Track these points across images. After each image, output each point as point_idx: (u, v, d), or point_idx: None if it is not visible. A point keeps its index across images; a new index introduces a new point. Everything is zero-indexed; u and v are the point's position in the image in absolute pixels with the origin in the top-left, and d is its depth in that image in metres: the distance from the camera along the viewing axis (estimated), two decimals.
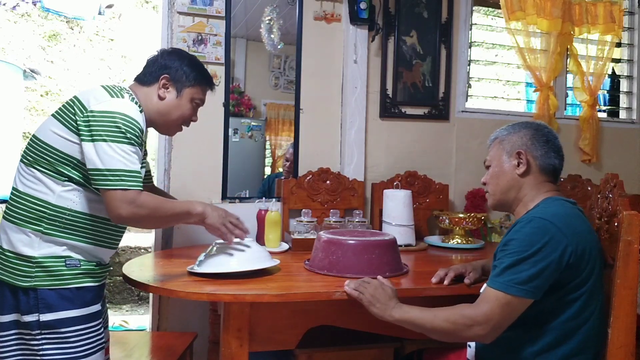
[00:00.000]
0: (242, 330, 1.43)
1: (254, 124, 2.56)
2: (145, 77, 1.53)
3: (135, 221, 1.39)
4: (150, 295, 2.56)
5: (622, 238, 1.25)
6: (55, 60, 5.88)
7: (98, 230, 1.41)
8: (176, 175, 2.38)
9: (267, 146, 2.61)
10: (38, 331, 1.32)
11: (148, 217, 1.38)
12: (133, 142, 1.36)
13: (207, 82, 1.61)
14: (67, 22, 5.82)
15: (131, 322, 3.32)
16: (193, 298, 1.47)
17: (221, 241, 1.63)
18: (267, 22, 2.49)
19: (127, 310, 3.84)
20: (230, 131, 2.47)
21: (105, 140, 1.31)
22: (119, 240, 1.51)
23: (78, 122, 1.34)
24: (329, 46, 2.60)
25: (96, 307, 1.40)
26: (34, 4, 4.29)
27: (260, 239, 2.09)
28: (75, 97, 1.40)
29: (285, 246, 2.08)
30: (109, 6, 5.06)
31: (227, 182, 2.45)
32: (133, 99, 1.44)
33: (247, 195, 2.50)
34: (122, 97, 1.40)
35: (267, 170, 2.63)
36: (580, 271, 1.22)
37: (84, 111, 1.34)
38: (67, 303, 1.34)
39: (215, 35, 2.41)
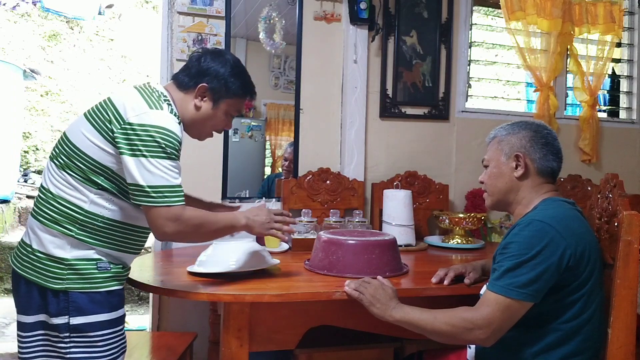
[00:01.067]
0: (242, 330, 1.43)
1: (254, 124, 2.56)
2: (184, 81, 1.43)
3: (180, 237, 1.37)
4: (150, 295, 2.56)
5: (622, 238, 1.24)
6: (55, 60, 5.88)
7: (127, 238, 1.39)
8: None
9: (267, 146, 2.61)
10: (67, 334, 1.30)
11: (193, 234, 1.36)
12: (173, 156, 1.31)
13: (247, 93, 1.50)
14: (67, 22, 5.83)
15: (131, 322, 3.31)
16: (193, 298, 1.47)
17: (221, 241, 1.63)
18: (264, 23, 2.49)
19: (127, 310, 3.84)
20: (230, 131, 2.47)
21: (145, 156, 1.26)
22: (143, 246, 1.49)
23: (115, 133, 1.28)
24: (329, 46, 2.60)
25: (122, 311, 1.40)
26: (34, 4, 4.29)
27: (260, 239, 2.08)
28: (110, 101, 1.34)
29: (285, 246, 2.08)
30: (109, 6, 5.06)
31: (227, 182, 2.45)
32: (172, 109, 1.37)
33: (247, 195, 2.50)
34: (161, 108, 1.33)
35: (267, 170, 2.64)
36: (580, 273, 1.22)
37: (121, 122, 1.28)
38: (97, 307, 1.32)
39: (215, 35, 2.41)
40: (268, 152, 2.62)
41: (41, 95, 5.87)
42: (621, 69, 3.22)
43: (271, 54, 2.55)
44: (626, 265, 1.24)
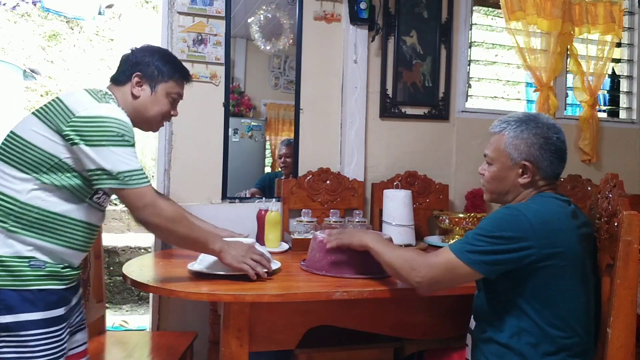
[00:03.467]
0: (242, 330, 1.43)
1: (254, 124, 2.56)
2: (119, 77, 1.52)
3: (154, 217, 1.38)
4: (150, 295, 2.56)
5: (622, 238, 1.24)
6: (55, 60, 5.87)
7: (67, 231, 1.35)
8: (176, 175, 2.38)
9: (267, 146, 2.61)
10: None
11: (167, 220, 1.39)
12: (132, 143, 1.37)
13: (181, 75, 1.57)
14: (67, 22, 5.82)
15: (131, 322, 3.32)
16: (193, 298, 1.47)
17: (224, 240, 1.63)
18: (257, 23, 2.48)
19: (127, 310, 3.84)
20: (230, 131, 2.47)
21: (104, 145, 1.31)
22: (91, 243, 1.45)
23: (65, 126, 1.31)
24: (329, 46, 2.60)
25: (59, 311, 1.33)
26: (34, 4, 4.29)
27: (260, 239, 2.09)
28: (59, 99, 1.37)
29: (285, 246, 2.08)
30: (109, 6, 5.06)
31: (227, 182, 2.45)
32: (117, 104, 1.45)
33: (247, 195, 2.50)
34: (108, 102, 1.40)
35: (267, 170, 2.64)
36: (545, 271, 1.21)
37: (71, 116, 1.32)
38: (29, 305, 1.28)
39: (215, 35, 2.41)
40: (268, 152, 2.62)
41: (41, 95, 5.86)
42: (621, 69, 3.22)
43: (271, 54, 2.55)
44: (626, 265, 1.24)
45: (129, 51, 1.56)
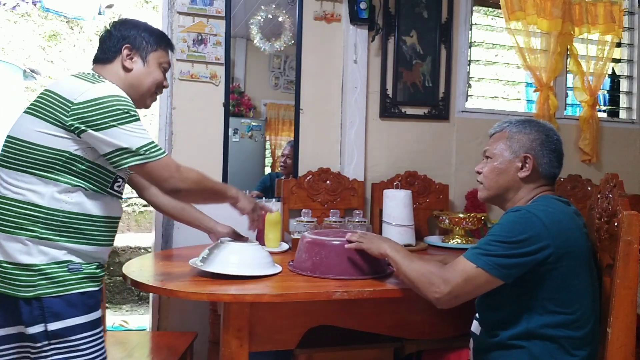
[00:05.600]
0: (242, 330, 1.43)
1: (254, 124, 2.56)
2: (106, 55, 1.45)
3: (181, 182, 1.38)
4: (150, 295, 2.56)
5: (622, 238, 1.24)
6: (55, 60, 5.87)
7: (92, 229, 1.34)
8: None
9: (267, 146, 2.61)
10: (46, 342, 1.25)
11: (194, 188, 1.41)
12: (138, 117, 1.34)
13: (167, 43, 1.55)
14: (67, 22, 5.82)
15: (131, 322, 3.32)
16: (193, 298, 1.47)
17: (227, 240, 1.63)
18: (257, 25, 2.48)
19: (127, 310, 3.84)
20: (230, 131, 2.47)
21: (114, 126, 1.27)
22: (114, 237, 1.45)
23: (67, 117, 1.26)
24: (329, 46, 2.60)
25: (98, 314, 1.35)
26: (34, 4, 4.29)
27: (260, 239, 2.08)
28: (50, 91, 1.32)
29: (285, 246, 2.08)
30: (109, 6, 5.06)
31: (227, 182, 2.45)
32: (111, 82, 1.39)
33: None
34: (104, 82, 1.36)
35: (267, 170, 2.64)
36: (560, 272, 1.21)
37: (70, 105, 1.27)
38: (74, 310, 1.28)
39: (215, 35, 2.42)
40: (268, 152, 2.62)
41: None
42: (621, 69, 3.23)
43: (271, 54, 2.55)
44: (626, 265, 1.24)
45: (108, 28, 1.49)
